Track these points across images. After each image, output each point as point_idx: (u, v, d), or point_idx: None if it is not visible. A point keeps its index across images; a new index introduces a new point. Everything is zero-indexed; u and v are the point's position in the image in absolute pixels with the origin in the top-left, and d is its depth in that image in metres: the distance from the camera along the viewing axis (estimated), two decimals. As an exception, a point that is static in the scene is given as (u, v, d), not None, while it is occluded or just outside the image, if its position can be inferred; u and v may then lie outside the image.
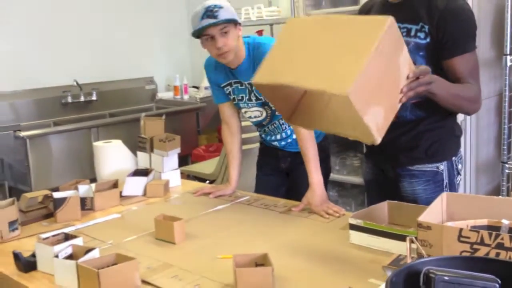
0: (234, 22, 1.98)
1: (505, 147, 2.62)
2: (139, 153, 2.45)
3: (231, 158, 2.33)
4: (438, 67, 1.69)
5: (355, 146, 3.36)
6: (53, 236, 1.58)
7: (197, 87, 4.45)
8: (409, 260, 1.14)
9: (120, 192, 2.19)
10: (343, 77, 1.28)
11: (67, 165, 3.32)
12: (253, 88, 2.11)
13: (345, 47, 1.34)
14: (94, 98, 4.00)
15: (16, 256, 1.54)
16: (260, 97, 2.14)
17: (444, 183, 1.79)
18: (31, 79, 3.72)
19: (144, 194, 2.25)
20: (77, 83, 3.85)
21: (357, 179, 3.22)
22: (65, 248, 1.48)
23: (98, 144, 2.40)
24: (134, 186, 2.24)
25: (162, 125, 2.44)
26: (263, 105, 2.16)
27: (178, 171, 2.41)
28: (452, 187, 1.80)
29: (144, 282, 1.41)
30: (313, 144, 2.02)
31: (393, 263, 1.27)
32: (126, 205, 2.14)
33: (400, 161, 1.82)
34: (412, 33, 1.71)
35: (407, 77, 1.42)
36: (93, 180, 2.68)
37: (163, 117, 2.48)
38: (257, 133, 2.97)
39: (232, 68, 2.11)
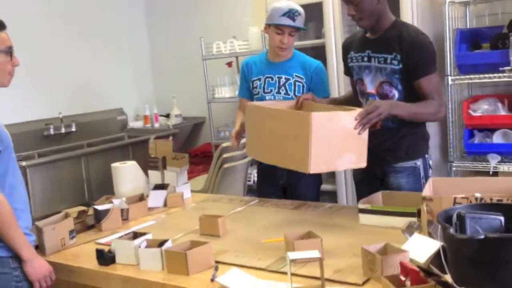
0: (300, 30, 2.60)
1: (451, 149, 3.21)
2: (150, 172, 2.78)
3: (238, 115, 2.80)
4: (411, 86, 2.21)
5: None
6: (125, 235, 1.91)
7: (166, 116, 4.80)
8: (424, 221, 1.60)
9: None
10: (300, 160, 1.87)
11: (64, 190, 3.56)
12: (285, 83, 2.61)
13: (292, 136, 1.92)
14: (73, 129, 4.24)
15: (100, 253, 1.85)
16: (289, 92, 2.60)
17: (421, 175, 2.29)
18: (15, 112, 3.92)
19: (165, 205, 2.59)
20: (61, 116, 4.10)
21: (328, 186, 3.67)
22: (142, 242, 1.82)
23: (116, 165, 2.71)
24: (157, 198, 2.57)
25: (170, 146, 2.79)
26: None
27: (189, 185, 2.77)
28: (427, 179, 2.29)
29: (216, 261, 1.77)
30: None
31: (408, 228, 1.72)
32: (153, 215, 2.47)
33: (386, 160, 2.30)
34: (388, 61, 2.22)
35: (355, 119, 1.93)
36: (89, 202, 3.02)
37: (170, 138, 2.84)
38: (238, 152, 3.37)
39: (275, 61, 2.64)
